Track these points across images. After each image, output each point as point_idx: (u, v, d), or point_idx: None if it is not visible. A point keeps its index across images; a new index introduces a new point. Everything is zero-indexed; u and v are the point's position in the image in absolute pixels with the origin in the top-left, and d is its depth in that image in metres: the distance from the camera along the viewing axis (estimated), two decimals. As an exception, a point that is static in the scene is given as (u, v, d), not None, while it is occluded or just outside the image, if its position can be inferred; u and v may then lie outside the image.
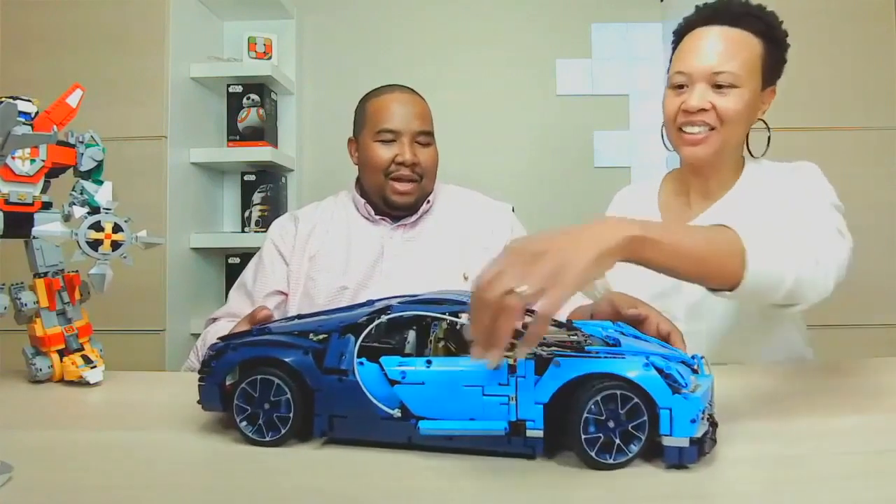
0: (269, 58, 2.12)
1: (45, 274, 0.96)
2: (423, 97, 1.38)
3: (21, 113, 0.90)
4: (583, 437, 0.59)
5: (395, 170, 1.29)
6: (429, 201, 1.37)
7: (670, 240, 0.66)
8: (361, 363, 0.66)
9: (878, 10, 1.86)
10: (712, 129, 1.03)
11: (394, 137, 1.30)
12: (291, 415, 0.65)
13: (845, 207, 1.02)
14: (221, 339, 0.71)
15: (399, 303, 0.70)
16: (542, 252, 0.58)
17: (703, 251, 0.69)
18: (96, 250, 0.92)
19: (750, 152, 1.14)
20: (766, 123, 1.11)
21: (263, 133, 2.06)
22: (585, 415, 0.59)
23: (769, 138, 1.11)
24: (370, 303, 0.78)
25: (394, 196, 1.31)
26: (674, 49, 1.12)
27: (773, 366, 1.04)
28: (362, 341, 0.67)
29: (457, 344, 0.72)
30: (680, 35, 1.11)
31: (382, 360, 0.65)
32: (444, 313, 0.67)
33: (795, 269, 0.74)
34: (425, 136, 1.32)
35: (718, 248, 0.70)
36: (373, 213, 1.35)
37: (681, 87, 1.06)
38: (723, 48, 1.03)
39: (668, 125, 1.10)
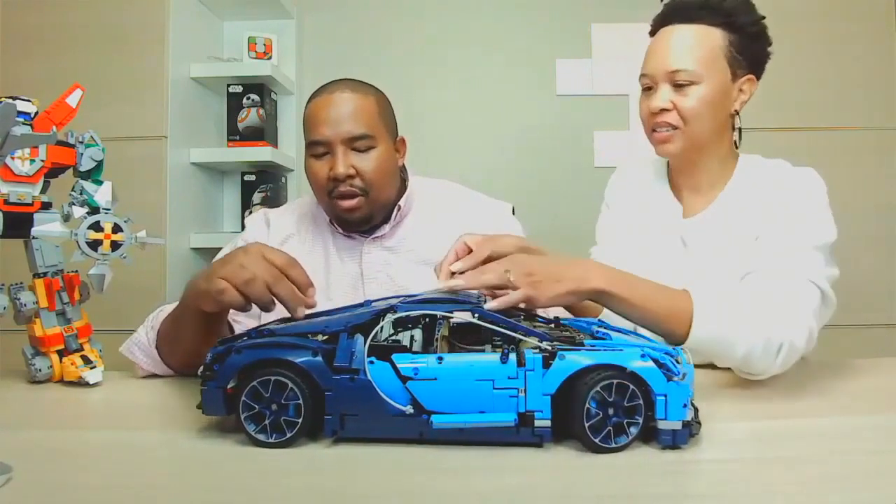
0: (269, 58, 2.12)
1: (45, 274, 0.96)
2: (369, 90, 1.15)
3: (21, 113, 0.90)
4: (586, 424, 0.63)
5: (334, 187, 1.10)
6: (400, 207, 1.19)
7: (631, 299, 0.83)
8: (372, 362, 0.66)
9: (878, 10, 1.86)
10: (676, 127, 1.05)
11: (326, 149, 1.10)
12: (301, 416, 0.65)
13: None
14: (222, 342, 0.71)
15: (401, 302, 0.71)
16: (534, 272, 0.80)
17: (657, 313, 0.84)
18: (96, 250, 0.92)
19: (737, 147, 1.11)
20: (737, 115, 1.08)
21: (263, 133, 2.06)
22: (588, 403, 0.63)
23: (740, 129, 1.09)
24: (367, 303, 0.79)
25: (343, 214, 1.13)
26: None
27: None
28: (371, 341, 0.68)
29: (461, 341, 0.74)
30: (652, 36, 1.14)
31: (394, 357, 0.66)
32: (450, 311, 0.70)
33: (747, 343, 0.83)
34: (363, 141, 1.10)
35: (671, 313, 0.84)
36: (341, 229, 1.19)
37: (649, 88, 1.09)
38: (679, 47, 1.05)
39: (644, 126, 1.13)
